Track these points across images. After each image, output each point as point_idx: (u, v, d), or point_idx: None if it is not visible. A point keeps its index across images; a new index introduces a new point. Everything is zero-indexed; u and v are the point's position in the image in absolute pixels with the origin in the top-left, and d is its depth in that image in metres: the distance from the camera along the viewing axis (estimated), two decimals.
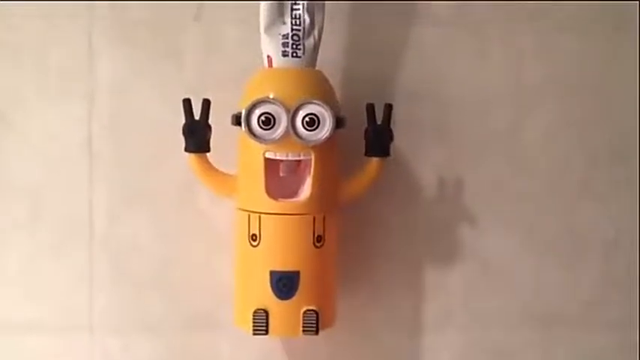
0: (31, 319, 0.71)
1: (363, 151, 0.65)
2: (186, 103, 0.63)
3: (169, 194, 0.71)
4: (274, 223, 0.62)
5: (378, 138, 0.65)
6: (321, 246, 0.63)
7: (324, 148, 0.62)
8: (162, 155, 0.70)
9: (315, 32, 0.63)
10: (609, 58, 0.73)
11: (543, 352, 0.74)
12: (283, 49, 0.62)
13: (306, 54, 0.63)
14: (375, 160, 0.65)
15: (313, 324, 0.63)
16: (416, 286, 0.73)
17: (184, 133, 0.64)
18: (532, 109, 0.72)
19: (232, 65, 0.69)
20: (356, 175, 0.66)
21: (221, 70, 0.70)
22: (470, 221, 0.72)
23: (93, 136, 0.70)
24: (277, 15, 0.63)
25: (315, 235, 0.63)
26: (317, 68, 0.64)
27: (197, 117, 0.63)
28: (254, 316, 0.62)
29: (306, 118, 0.61)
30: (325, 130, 0.61)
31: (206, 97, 0.64)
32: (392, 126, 0.65)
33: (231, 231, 0.67)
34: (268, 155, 0.61)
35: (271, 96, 0.61)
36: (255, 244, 0.63)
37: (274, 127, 0.61)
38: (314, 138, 0.61)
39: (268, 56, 0.63)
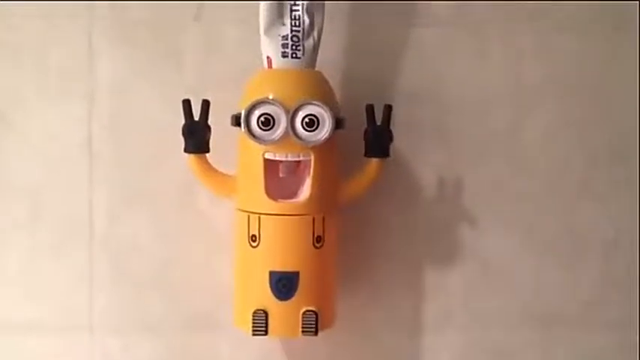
0: (31, 319, 0.71)
1: (363, 151, 0.65)
2: (186, 103, 0.63)
3: (169, 194, 0.71)
4: (274, 223, 0.62)
5: (378, 139, 0.65)
6: (320, 246, 0.63)
7: (323, 149, 0.62)
8: (162, 155, 0.70)
9: (315, 33, 0.63)
10: (609, 58, 0.73)
11: (543, 352, 0.74)
12: (283, 50, 0.62)
13: (305, 55, 0.63)
14: (374, 160, 0.65)
15: (313, 324, 0.63)
16: (416, 287, 0.73)
17: (184, 133, 0.64)
18: (532, 109, 0.72)
19: (232, 65, 0.69)
20: (355, 175, 0.66)
21: (221, 70, 0.70)
22: (470, 221, 0.72)
23: (93, 136, 0.70)
24: (277, 16, 0.63)
25: (315, 236, 0.63)
26: (316, 69, 0.64)
27: (197, 118, 0.63)
28: (253, 316, 0.62)
29: (306, 119, 0.61)
30: (325, 131, 0.61)
31: (206, 97, 0.64)
32: (391, 127, 0.65)
33: (230, 231, 0.67)
34: (268, 156, 0.62)
35: (271, 97, 0.61)
36: (254, 244, 0.63)
37: (274, 128, 0.61)
38: (313, 139, 0.61)
39: (268, 57, 0.63)
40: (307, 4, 0.63)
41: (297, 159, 0.62)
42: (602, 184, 0.73)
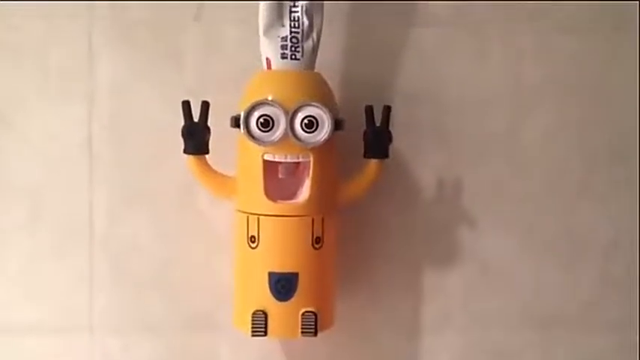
0: (31, 319, 0.71)
1: (362, 152, 0.65)
2: (185, 105, 0.63)
3: (169, 195, 0.71)
4: (273, 224, 0.62)
5: (377, 140, 0.65)
6: (319, 247, 0.63)
7: (322, 150, 0.62)
8: (162, 156, 0.70)
9: (314, 34, 0.63)
10: (609, 59, 0.73)
11: (543, 352, 0.74)
12: (282, 52, 0.62)
13: (304, 56, 0.63)
14: (373, 161, 0.65)
15: (312, 325, 0.63)
16: (415, 288, 0.73)
17: (183, 135, 0.64)
18: (531, 109, 0.72)
19: (232, 65, 0.69)
20: (355, 176, 0.66)
21: (221, 71, 0.70)
22: (469, 222, 0.72)
23: (93, 136, 0.70)
24: (276, 17, 0.63)
25: (314, 237, 0.63)
26: (316, 70, 0.64)
27: (196, 119, 0.63)
28: (253, 317, 0.63)
29: (305, 120, 0.61)
30: (324, 132, 0.61)
31: (206, 98, 0.64)
32: (391, 127, 0.65)
33: (230, 232, 0.67)
34: (267, 157, 0.62)
35: (270, 98, 0.61)
36: (254, 245, 0.63)
37: (273, 129, 0.61)
38: (313, 140, 0.61)
39: (267, 58, 0.63)
40: (306, 6, 0.63)
41: (296, 160, 0.62)
42: (602, 185, 0.73)
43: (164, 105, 0.69)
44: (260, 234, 0.62)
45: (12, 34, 0.69)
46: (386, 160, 0.65)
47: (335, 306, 0.67)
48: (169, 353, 0.72)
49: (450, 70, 0.71)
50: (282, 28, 0.63)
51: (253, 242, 0.63)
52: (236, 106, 0.62)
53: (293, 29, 0.62)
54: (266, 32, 0.62)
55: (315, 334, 0.63)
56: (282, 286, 0.62)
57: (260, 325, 0.63)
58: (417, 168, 0.72)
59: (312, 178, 0.62)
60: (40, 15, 0.69)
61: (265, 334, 0.63)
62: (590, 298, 0.74)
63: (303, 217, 0.62)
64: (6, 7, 0.69)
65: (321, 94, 0.63)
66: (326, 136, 0.61)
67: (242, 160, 0.64)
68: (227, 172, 0.65)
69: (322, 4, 0.64)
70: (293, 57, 0.62)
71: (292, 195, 0.64)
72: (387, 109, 0.64)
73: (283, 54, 0.62)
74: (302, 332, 0.63)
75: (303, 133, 0.61)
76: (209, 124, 0.64)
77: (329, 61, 0.66)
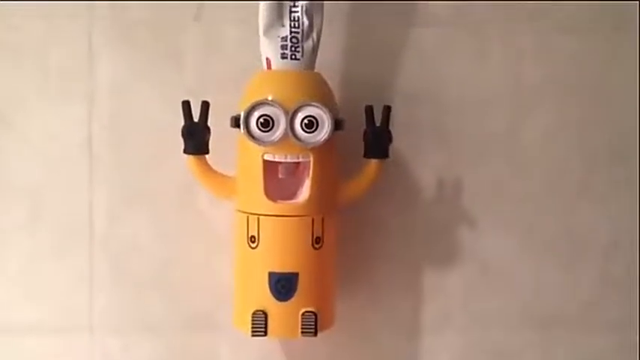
0: (31, 319, 0.71)
1: (362, 152, 0.65)
2: (185, 105, 0.63)
3: (169, 195, 0.71)
4: (273, 224, 0.62)
5: (377, 140, 0.65)
6: (319, 247, 0.63)
7: (322, 150, 0.62)
8: (162, 156, 0.70)
9: (314, 34, 0.63)
10: (609, 59, 0.73)
11: (543, 352, 0.74)
12: (282, 52, 0.62)
13: (304, 56, 0.63)
14: (373, 161, 0.65)
15: (312, 325, 0.63)
16: (415, 288, 0.73)
17: (183, 135, 0.64)
18: (531, 109, 0.72)
19: (232, 65, 0.69)
20: (355, 176, 0.66)
21: (221, 71, 0.70)
22: (469, 222, 0.72)
23: (93, 136, 0.70)
24: (276, 17, 0.63)
25: (314, 237, 0.63)
26: (316, 70, 0.64)
27: (196, 119, 0.63)
28: (253, 317, 0.63)
29: (305, 120, 0.61)
30: (324, 132, 0.61)
31: (206, 98, 0.64)
32: (391, 127, 0.65)
33: (230, 232, 0.67)
34: (267, 157, 0.62)
35: (270, 98, 0.61)
36: (254, 245, 0.63)
37: (273, 129, 0.61)
38: (313, 140, 0.61)
39: (267, 58, 0.63)
40: (306, 6, 0.63)
41: (296, 160, 0.62)
42: (602, 185, 0.73)
43: (164, 105, 0.69)
44: (260, 234, 0.62)
45: (12, 34, 0.69)
46: (386, 160, 0.65)
47: (335, 306, 0.67)
48: (169, 353, 0.72)
49: (450, 70, 0.71)
50: (282, 28, 0.63)
51: (253, 242, 0.63)
52: (236, 106, 0.62)
53: (293, 29, 0.62)
54: (266, 32, 0.63)
55: (315, 334, 0.63)
56: (282, 286, 0.62)
57: (260, 325, 0.63)
58: (417, 168, 0.72)
59: (312, 178, 0.62)
60: (40, 15, 0.69)
61: (265, 334, 0.63)
62: (590, 298, 0.74)
63: (303, 217, 0.62)
64: (6, 7, 0.69)
65: (321, 94, 0.62)
66: (326, 136, 0.61)
67: (242, 160, 0.64)
68: (227, 172, 0.65)
69: (322, 4, 0.64)
70: (293, 57, 0.62)
71: (292, 195, 0.64)
72: (387, 109, 0.64)
73: (283, 54, 0.62)
74: (302, 332, 0.63)
75: (303, 133, 0.61)
76: (209, 124, 0.64)
77: (329, 61, 0.66)
